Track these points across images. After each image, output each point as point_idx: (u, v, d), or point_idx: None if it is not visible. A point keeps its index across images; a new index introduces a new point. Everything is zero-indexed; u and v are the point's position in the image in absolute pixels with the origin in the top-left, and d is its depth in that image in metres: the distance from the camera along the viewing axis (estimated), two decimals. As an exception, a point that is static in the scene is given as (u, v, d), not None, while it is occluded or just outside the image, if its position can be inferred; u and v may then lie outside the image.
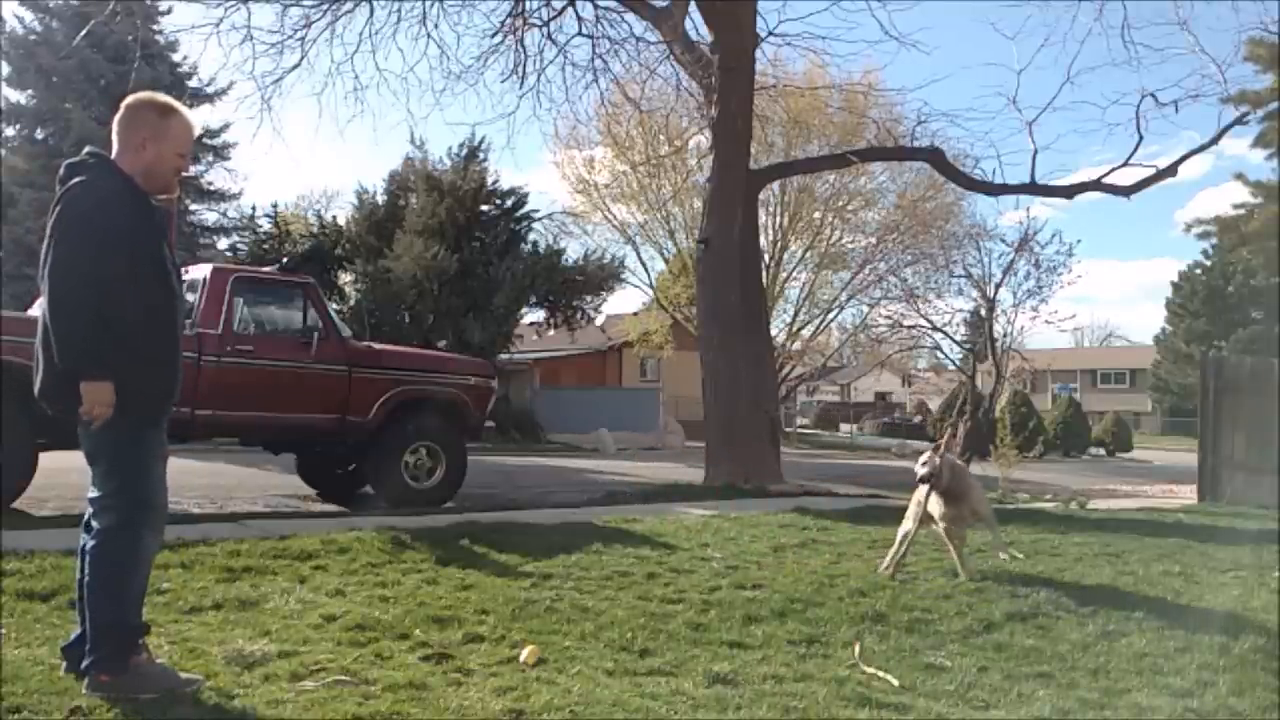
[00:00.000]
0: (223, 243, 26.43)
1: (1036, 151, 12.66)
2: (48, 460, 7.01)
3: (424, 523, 6.60)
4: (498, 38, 12.56)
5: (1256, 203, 22.52)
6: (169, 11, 24.60)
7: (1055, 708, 3.40)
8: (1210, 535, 8.26)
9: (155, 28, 24.53)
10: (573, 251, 26.19)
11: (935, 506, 5.60)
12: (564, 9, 12.48)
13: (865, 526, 7.68)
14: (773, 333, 21.95)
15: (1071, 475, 21.20)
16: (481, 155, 24.27)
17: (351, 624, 4.00)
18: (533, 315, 26.29)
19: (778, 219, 28.99)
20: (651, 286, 31.34)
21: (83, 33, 15.90)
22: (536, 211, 25.77)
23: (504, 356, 24.53)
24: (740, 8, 11.76)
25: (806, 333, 32.04)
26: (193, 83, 26.15)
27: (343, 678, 3.13)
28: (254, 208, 30.09)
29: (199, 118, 27.36)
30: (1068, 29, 33.16)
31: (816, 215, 29.36)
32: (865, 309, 30.37)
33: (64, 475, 6.71)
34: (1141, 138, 13.50)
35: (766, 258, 26.37)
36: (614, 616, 4.35)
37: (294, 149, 63.19)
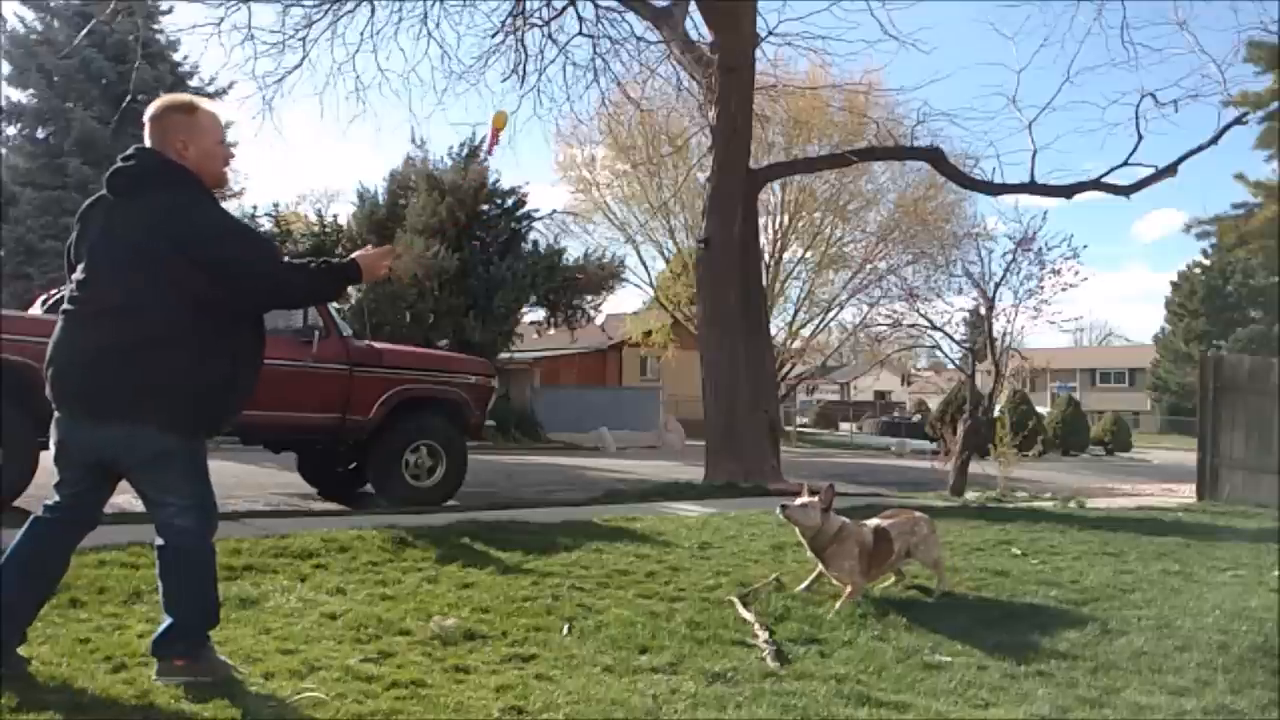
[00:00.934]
0: (223, 242, 26.41)
1: (1036, 151, 12.68)
2: (48, 460, 7.00)
3: (425, 521, 6.61)
4: (498, 37, 12.57)
5: (1256, 202, 22.54)
6: (170, 11, 24.59)
7: (1054, 706, 3.41)
8: (1209, 534, 8.28)
9: (156, 27, 24.53)
10: (573, 251, 26.23)
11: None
12: (564, 9, 12.49)
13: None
14: (773, 332, 21.95)
15: (1071, 474, 21.23)
16: (482, 155, 24.29)
17: (352, 622, 4.01)
18: (533, 314, 26.30)
19: (778, 219, 29.00)
20: (652, 286, 31.36)
21: (84, 32, 15.91)
22: (537, 211, 25.82)
23: (504, 356, 24.56)
24: (740, 8, 11.76)
25: (806, 332, 32.05)
26: (194, 82, 26.16)
27: (318, 695, 3.11)
28: (255, 207, 30.03)
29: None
30: (1067, 29, 33.21)
31: (817, 215, 29.36)
32: (865, 308, 30.37)
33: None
34: (1141, 138, 13.45)
35: (766, 257, 26.37)
36: (614, 615, 4.36)
37: (295, 148, 63.23)
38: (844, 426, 46.35)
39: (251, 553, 5.27)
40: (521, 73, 12.56)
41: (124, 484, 3.34)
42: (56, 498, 3.25)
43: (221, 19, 11.41)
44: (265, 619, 4.06)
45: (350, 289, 23.68)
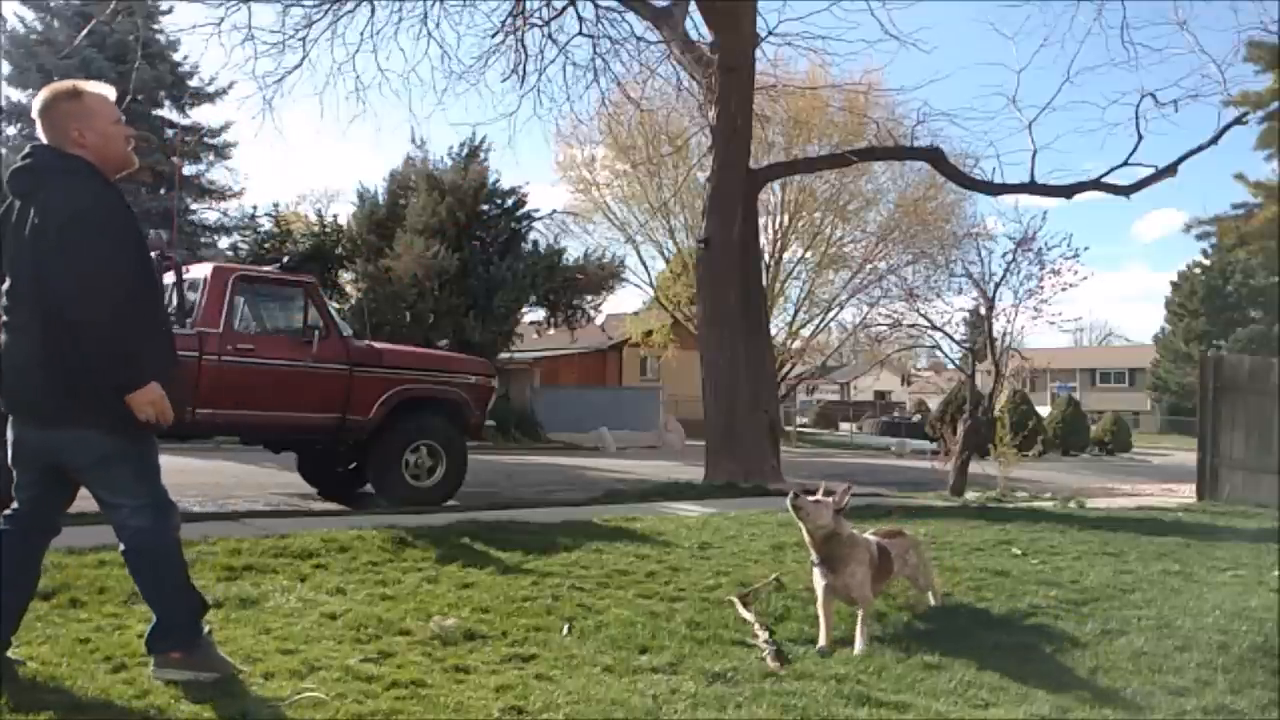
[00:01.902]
0: (224, 242, 26.48)
1: (1036, 151, 12.68)
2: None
3: (425, 521, 6.61)
4: (498, 37, 12.56)
5: (1256, 202, 22.54)
6: (170, 11, 24.64)
7: (1054, 706, 3.41)
8: (1209, 534, 8.27)
9: (156, 27, 24.56)
10: (573, 251, 26.25)
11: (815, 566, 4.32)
12: (564, 9, 12.48)
13: (864, 525, 7.68)
14: (773, 332, 21.95)
15: (1071, 474, 21.22)
16: (482, 155, 24.32)
17: (353, 622, 4.02)
18: (533, 314, 26.32)
19: (778, 219, 28.99)
20: (652, 286, 31.36)
21: (84, 32, 15.86)
22: (537, 211, 25.83)
23: (504, 356, 24.56)
24: (740, 8, 11.76)
25: (806, 332, 32.05)
26: (194, 82, 26.23)
27: (319, 695, 3.12)
28: (255, 207, 30.10)
29: (201, 116, 27.50)
30: (1067, 29, 33.16)
31: (817, 215, 29.35)
32: (865, 308, 30.37)
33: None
34: (1141, 138, 13.45)
35: (766, 257, 26.37)
36: (614, 615, 4.37)
37: (295, 148, 63.26)
38: (844, 426, 46.32)
39: (251, 553, 5.26)
40: (521, 73, 12.57)
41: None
42: (16, 505, 3.22)
43: (221, 19, 11.42)
44: (265, 619, 4.06)
45: (350, 288, 23.76)
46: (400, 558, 5.48)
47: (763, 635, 4.06)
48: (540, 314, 25.85)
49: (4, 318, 3.16)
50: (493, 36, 12.58)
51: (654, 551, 6.10)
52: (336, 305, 19.33)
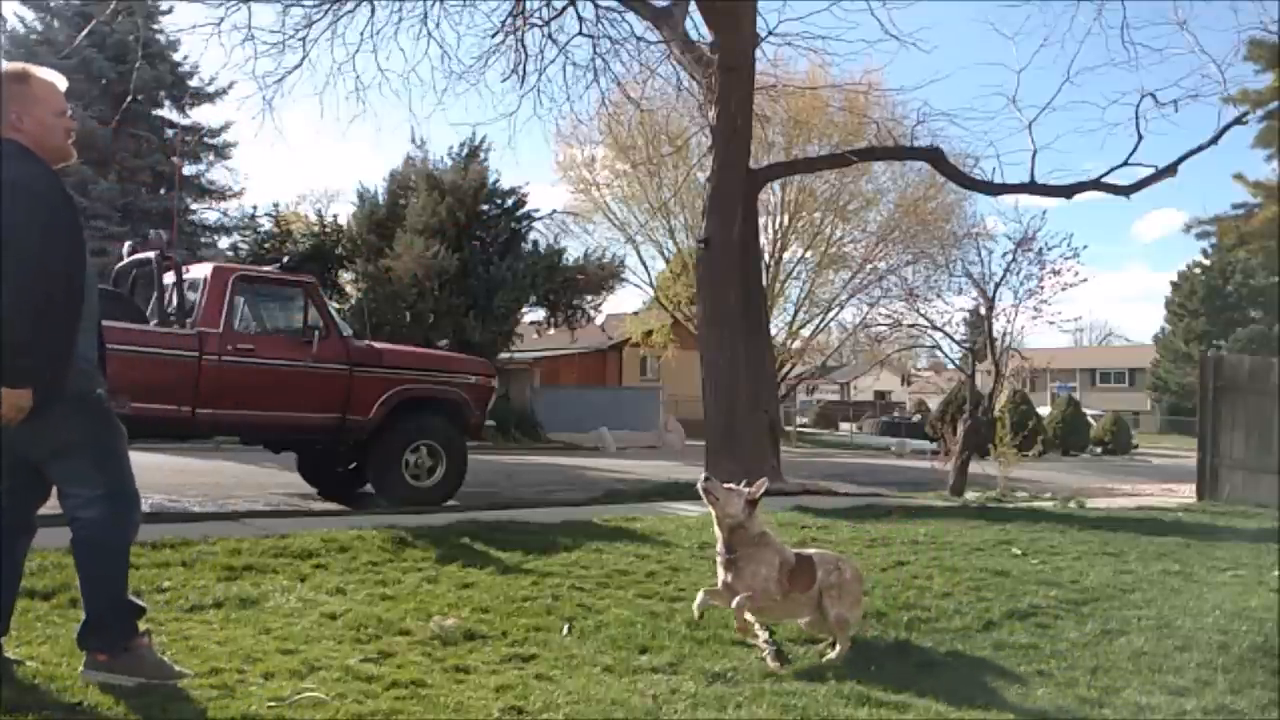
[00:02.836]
0: (224, 242, 26.48)
1: (1036, 151, 12.65)
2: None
3: (425, 521, 6.61)
4: (498, 37, 12.54)
5: (1256, 202, 22.55)
6: (170, 11, 24.63)
7: (1054, 706, 3.41)
8: (1209, 534, 8.28)
9: (156, 27, 24.56)
10: (573, 251, 26.23)
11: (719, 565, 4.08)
12: (564, 9, 12.46)
13: (864, 525, 7.70)
14: (773, 332, 21.94)
15: (1071, 474, 21.23)
16: (482, 155, 24.32)
17: (353, 622, 4.01)
18: (533, 314, 26.30)
19: (778, 219, 28.99)
20: (652, 286, 31.36)
21: (84, 32, 15.87)
22: (537, 211, 25.83)
23: (504, 356, 24.55)
24: (740, 8, 11.75)
25: (806, 332, 32.05)
26: (194, 82, 26.23)
27: (319, 695, 3.11)
28: (255, 207, 30.10)
29: (201, 116, 27.50)
30: (1067, 29, 33.04)
31: (817, 215, 29.35)
32: (865, 308, 30.37)
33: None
34: (1141, 138, 13.42)
35: (766, 257, 26.36)
36: (614, 615, 4.37)
37: (295, 148, 63.20)
38: (844, 426, 46.32)
39: (251, 553, 5.26)
40: (521, 73, 12.54)
41: (144, 486, 3.35)
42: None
43: (221, 19, 11.37)
44: (265, 619, 4.06)
45: (350, 288, 23.76)
46: (400, 558, 5.48)
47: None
48: (540, 314, 25.84)
49: None
50: (493, 36, 12.56)
51: (654, 551, 6.10)
52: (336, 305, 19.34)
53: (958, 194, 27.09)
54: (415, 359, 9.70)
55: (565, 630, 4.10)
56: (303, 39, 11.74)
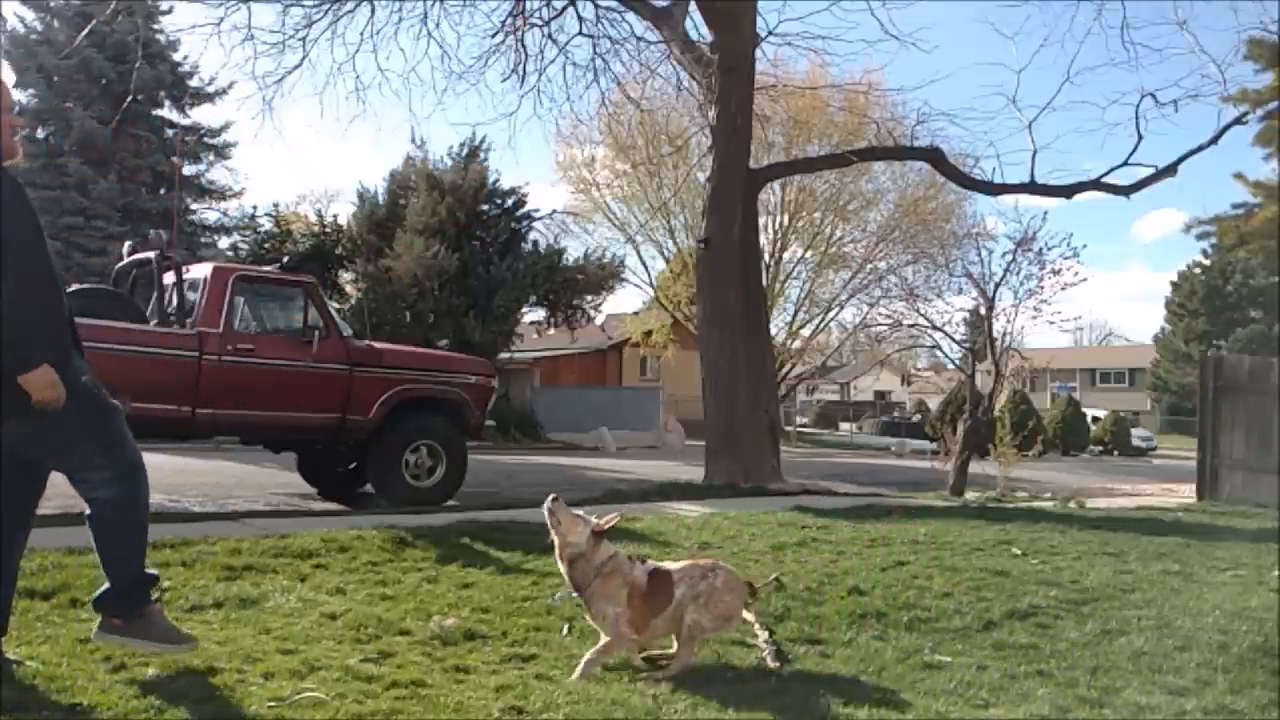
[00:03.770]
0: (224, 242, 26.51)
1: (1036, 151, 12.67)
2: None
3: (425, 521, 6.61)
4: (498, 37, 12.55)
5: (1256, 202, 22.53)
6: (170, 11, 24.67)
7: (1054, 706, 3.41)
8: (1209, 534, 8.28)
9: (156, 27, 24.59)
10: (573, 251, 26.24)
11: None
12: (564, 9, 12.48)
13: (864, 525, 7.69)
14: (773, 332, 21.95)
15: (1071, 474, 21.23)
16: (482, 155, 24.32)
17: (353, 622, 4.01)
18: (533, 314, 26.30)
19: (778, 219, 28.99)
20: (652, 286, 31.36)
21: (84, 32, 15.89)
22: (537, 211, 25.83)
23: (504, 356, 24.55)
24: (740, 8, 11.76)
25: (806, 332, 32.05)
26: (194, 82, 26.25)
27: (319, 695, 3.11)
28: (255, 207, 30.15)
29: (201, 116, 27.51)
30: (1067, 29, 33.18)
31: (817, 215, 29.35)
32: (865, 308, 30.37)
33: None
34: (1141, 138, 13.44)
35: (767, 257, 26.36)
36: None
37: (295, 148, 63.26)
38: (844, 426, 46.32)
39: (251, 553, 5.26)
40: (521, 73, 12.56)
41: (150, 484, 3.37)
42: None
43: (221, 19, 11.40)
44: (265, 619, 4.06)
45: (350, 288, 23.75)
46: (400, 558, 5.48)
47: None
48: (540, 314, 25.84)
49: None
50: (493, 36, 12.58)
51: (654, 551, 6.09)
52: (336, 305, 19.33)
53: (958, 194, 27.12)
54: (415, 359, 9.70)
55: (565, 630, 4.10)
56: (303, 39, 11.77)
